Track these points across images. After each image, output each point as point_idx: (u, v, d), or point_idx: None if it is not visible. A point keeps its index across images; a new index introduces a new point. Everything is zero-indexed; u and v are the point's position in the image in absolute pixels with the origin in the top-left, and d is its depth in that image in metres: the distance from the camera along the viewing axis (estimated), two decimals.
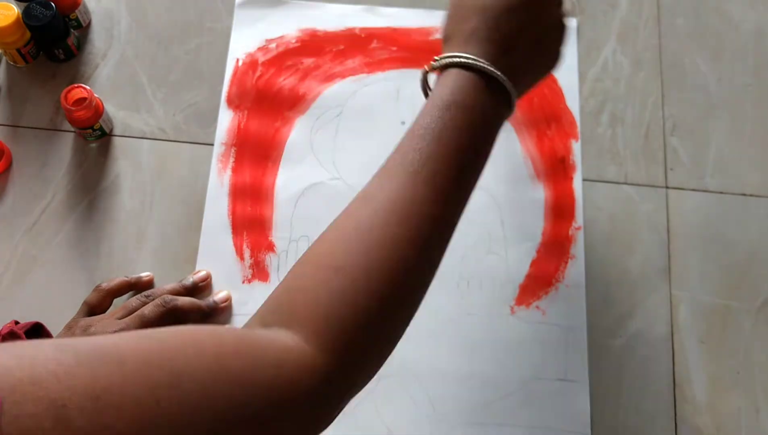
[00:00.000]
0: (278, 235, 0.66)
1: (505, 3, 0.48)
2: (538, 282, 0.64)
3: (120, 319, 0.57)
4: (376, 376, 0.61)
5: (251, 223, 0.66)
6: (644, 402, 0.62)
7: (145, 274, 0.64)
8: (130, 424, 0.29)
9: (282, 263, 0.64)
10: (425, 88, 0.51)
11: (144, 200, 0.67)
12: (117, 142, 0.69)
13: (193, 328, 0.37)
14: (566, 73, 0.71)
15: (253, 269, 0.64)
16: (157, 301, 0.58)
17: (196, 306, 0.60)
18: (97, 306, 0.60)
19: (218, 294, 0.63)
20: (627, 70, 0.72)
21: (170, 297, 0.59)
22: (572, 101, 0.70)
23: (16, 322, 0.59)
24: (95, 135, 0.68)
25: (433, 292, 0.64)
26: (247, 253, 0.65)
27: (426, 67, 0.49)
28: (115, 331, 0.55)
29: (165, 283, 0.63)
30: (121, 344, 0.33)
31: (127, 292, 0.63)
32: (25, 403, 0.27)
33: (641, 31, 0.73)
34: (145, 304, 0.59)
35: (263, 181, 0.67)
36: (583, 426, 0.60)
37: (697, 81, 0.72)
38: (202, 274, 0.63)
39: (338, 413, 0.41)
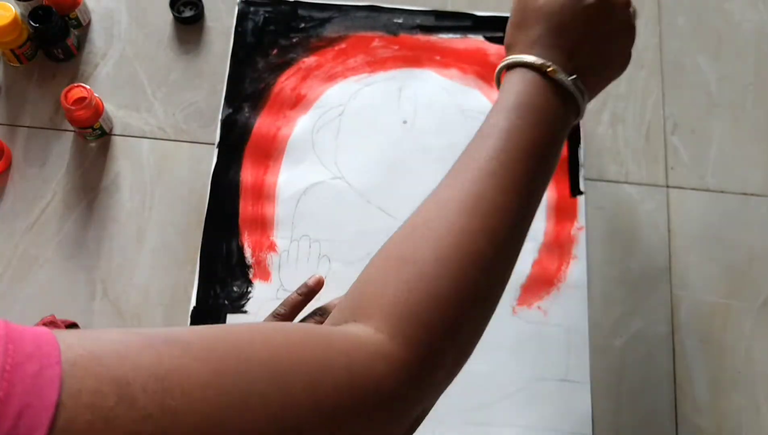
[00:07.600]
0: (280, 235, 0.65)
1: (570, 8, 0.47)
2: (540, 282, 0.64)
3: None
4: None
5: (252, 223, 0.66)
6: (645, 401, 0.62)
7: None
8: (194, 407, 0.29)
9: (283, 263, 0.64)
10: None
11: (144, 200, 0.67)
12: (117, 141, 0.69)
13: (258, 323, 0.37)
14: None
15: (254, 269, 0.64)
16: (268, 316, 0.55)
17: (292, 304, 0.56)
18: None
19: (310, 278, 0.57)
20: (628, 69, 0.72)
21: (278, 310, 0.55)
22: None
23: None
24: (95, 134, 0.68)
25: None
26: (248, 253, 0.65)
27: (498, 69, 0.50)
28: None
29: (164, 283, 0.64)
30: (186, 332, 0.32)
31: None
32: (86, 378, 0.27)
33: (642, 30, 0.73)
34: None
35: (264, 180, 0.67)
36: (584, 426, 0.60)
37: (698, 80, 0.72)
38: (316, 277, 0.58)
39: (418, 411, 0.38)
